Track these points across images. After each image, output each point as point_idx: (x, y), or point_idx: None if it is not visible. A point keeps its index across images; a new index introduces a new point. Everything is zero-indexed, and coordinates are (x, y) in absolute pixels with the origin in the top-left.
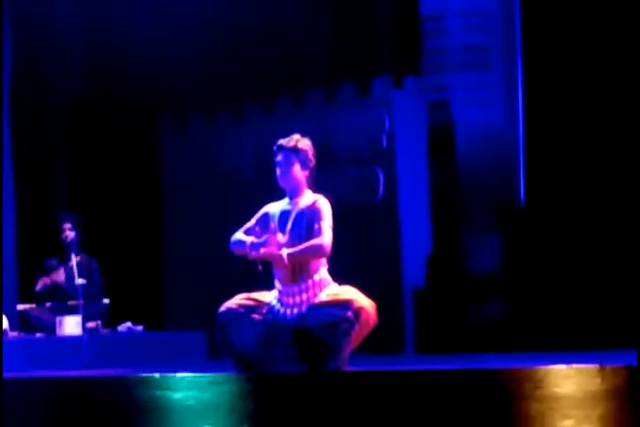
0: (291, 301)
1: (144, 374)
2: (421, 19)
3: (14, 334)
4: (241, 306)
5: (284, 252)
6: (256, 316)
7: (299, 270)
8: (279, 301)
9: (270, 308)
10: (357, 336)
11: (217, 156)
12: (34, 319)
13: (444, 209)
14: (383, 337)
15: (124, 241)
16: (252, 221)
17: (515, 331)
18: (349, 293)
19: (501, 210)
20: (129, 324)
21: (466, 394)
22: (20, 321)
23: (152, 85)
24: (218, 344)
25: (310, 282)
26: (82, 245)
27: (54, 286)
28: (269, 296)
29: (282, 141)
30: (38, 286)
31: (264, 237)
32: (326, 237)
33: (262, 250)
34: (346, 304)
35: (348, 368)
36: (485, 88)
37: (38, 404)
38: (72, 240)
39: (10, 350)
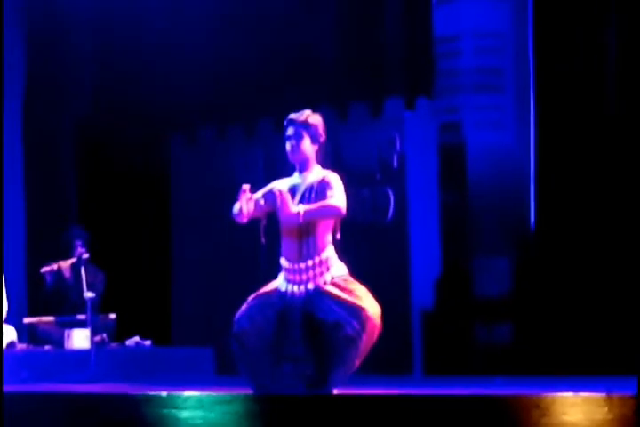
0: (297, 278)
1: (151, 393)
2: (434, 40)
3: (22, 346)
4: (252, 306)
5: (301, 208)
6: (268, 311)
7: (306, 246)
8: (285, 279)
9: (278, 291)
10: (364, 346)
11: (227, 171)
12: (42, 332)
13: (453, 230)
14: (391, 358)
15: (134, 256)
16: (258, 193)
17: (523, 354)
18: (361, 296)
19: (511, 232)
20: (137, 338)
21: (472, 420)
22: (28, 334)
23: (163, 100)
24: (233, 353)
25: (317, 259)
26: (91, 259)
27: (58, 279)
28: (276, 283)
29: (292, 116)
30: (45, 268)
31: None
32: (340, 200)
33: (284, 193)
34: (355, 310)
35: (354, 390)
36: (497, 110)
37: (43, 421)
38: (82, 257)
39: (18, 362)
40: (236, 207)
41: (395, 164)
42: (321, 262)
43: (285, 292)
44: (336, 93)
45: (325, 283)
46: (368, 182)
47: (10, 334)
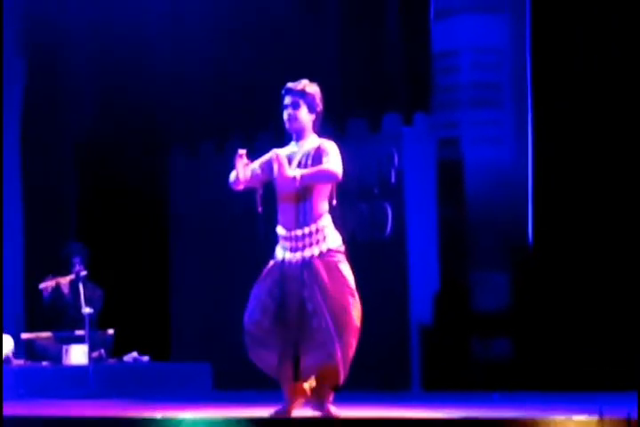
0: (294, 245)
1: (145, 415)
2: (432, 55)
3: (19, 362)
4: (258, 295)
5: (298, 172)
6: (272, 300)
7: (302, 213)
8: (282, 247)
9: (276, 263)
10: (339, 346)
11: (227, 184)
12: (39, 348)
13: (452, 246)
14: (390, 373)
15: (132, 271)
16: (256, 164)
17: (521, 369)
18: (346, 293)
19: (510, 247)
20: (135, 354)
21: None
22: (25, 349)
23: (163, 114)
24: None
25: (314, 227)
26: (89, 275)
27: (56, 295)
28: (272, 260)
29: (290, 84)
30: (43, 284)
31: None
32: (336, 165)
33: (280, 157)
34: (337, 310)
35: (353, 405)
36: (495, 125)
37: None
38: (81, 273)
39: (15, 378)
40: (233, 175)
41: (393, 179)
42: (317, 230)
43: (283, 260)
44: (334, 109)
45: (321, 253)
46: (366, 197)
47: (7, 343)
